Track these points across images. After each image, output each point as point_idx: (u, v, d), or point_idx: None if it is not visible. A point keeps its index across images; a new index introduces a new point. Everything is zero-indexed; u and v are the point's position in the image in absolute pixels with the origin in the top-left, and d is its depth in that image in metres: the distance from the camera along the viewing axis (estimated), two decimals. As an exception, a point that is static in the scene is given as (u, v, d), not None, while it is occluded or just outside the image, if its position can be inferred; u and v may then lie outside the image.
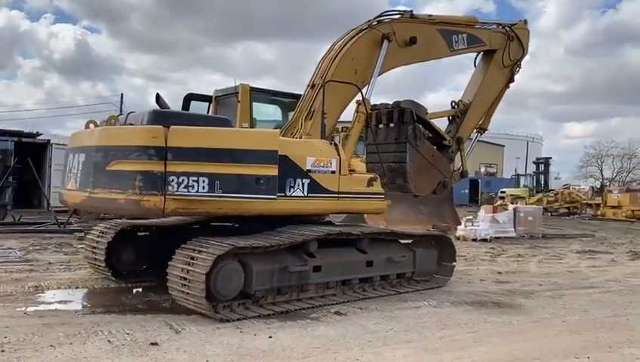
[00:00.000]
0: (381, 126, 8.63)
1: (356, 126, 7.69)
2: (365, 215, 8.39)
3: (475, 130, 10.22)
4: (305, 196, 6.61)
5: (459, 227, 14.60)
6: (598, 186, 42.20)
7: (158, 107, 7.26)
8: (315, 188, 6.70)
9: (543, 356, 5.07)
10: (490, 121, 10.40)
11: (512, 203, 24.32)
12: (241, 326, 5.67)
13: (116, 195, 5.79)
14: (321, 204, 6.91)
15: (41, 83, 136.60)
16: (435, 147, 9.08)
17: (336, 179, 6.92)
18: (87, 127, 6.63)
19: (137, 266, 7.88)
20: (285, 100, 8.56)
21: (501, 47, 9.88)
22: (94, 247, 7.63)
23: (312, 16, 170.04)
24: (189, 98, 8.39)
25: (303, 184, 6.58)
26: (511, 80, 10.24)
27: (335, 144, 7.16)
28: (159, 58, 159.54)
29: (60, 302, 6.63)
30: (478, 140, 10.59)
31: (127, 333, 5.29)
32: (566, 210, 32.35)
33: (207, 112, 8.37)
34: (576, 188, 41.69)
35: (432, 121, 9.17)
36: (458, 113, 9.62)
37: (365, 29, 8.08)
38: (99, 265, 7.62)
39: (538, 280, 9.25)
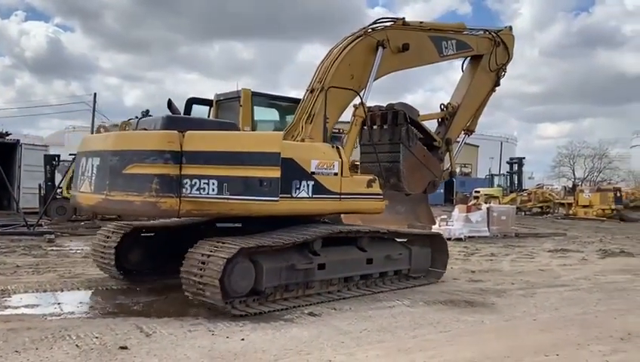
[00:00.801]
0: (375, 127, 8.94)
1: (353, 129, 8.02)
2: (342, 215, 8.52)
3: (462, 132, 10.54)
4: (310, 197, 6.84)
5: (433, 226, 14.70)
6: (570, 186, 42.92)
7: (170, 112, 7.50)
8: (319, 189, 6.93)
9: (514, 354, 5.12)
10: (477, 123, 10.74)
11: (486, 202, 24.63)
12: (213, 329, 5.61)
13: (133, 197, 6.04)
14: (325, 205, 7.15)
15: (12, 81, 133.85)
16: (425, 148, 9.41)
17: (339, 181, 7.17)
18: (98, 131, 6.92)
19: (144, 266, 8.00)
20: (283, 104, 8.81)
21: (487, 53, 10.24)
22: (103, 248, 7.75)
23: (290, 16, 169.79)
24: (191, 102, 8.57)
25: (308, 185, 6.80)
26: (497, 84, 10.63)
27: (337, 147, 7.39)
28: (134, 57, 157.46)
29: (26, 306, 6.47)
30: (456, 141, 10.81)
31: (96, 337, 5.19)
32: (539, 210, 32.83)
33: (208, 116, 8.62)
34: (549, 187, 42.44)
35: (422, 122, 9.49)
36: (447, 115, 9.97)
37: (361, 35, 8.35)
38: (108, 266, 7.74)
39: (510, 278, 9.36)
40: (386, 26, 8.62)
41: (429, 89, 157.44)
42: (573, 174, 58.97)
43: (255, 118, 8.23)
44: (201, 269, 5.96)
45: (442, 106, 10.09)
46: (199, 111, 8.68)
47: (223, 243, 6.10)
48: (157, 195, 5.96)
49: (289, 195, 6.55)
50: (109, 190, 6.25)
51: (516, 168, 38.21)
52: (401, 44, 8.64)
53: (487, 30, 10.37)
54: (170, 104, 7.78)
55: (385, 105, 9.17)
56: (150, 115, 15.95)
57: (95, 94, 38.96)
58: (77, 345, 4.93)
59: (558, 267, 11.11)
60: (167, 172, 5.99)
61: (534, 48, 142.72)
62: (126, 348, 4.89)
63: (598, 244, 15.90)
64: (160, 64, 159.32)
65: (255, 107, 8.24)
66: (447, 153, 9.99)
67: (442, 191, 41.95)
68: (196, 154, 6.08)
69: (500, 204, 27.48)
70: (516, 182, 37.44)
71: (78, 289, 7.55)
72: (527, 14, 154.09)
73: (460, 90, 10.33)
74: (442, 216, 16.73)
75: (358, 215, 8.33)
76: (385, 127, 8.96)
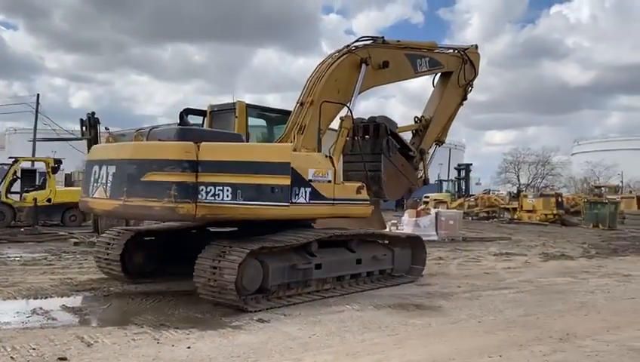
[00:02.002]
0: (357, 138, 9.37)
1: (340, 140, 8.59)
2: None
3: (434, 143, 11.19)
4: (307, 202, 7.39)
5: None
6: (515, 191, 44.30)
7: (181, 124, 8.14)
8: (315, 195, 7.50)
9: (460, 356, 5.22)
10: (447, 134, 11.46)
11: (435, 207, 25.10)
12: (158, 337, 5.48)
13: (152, 203, 6.54)
14: (320, 209, 7.75)
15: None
16: (403, 158, 10.04)
17: (332, 188, 7.78)
18: (107, 141, 7.67)
19: (146, 268, 8.49)
20: (274, 115, 9.48)
21: (456, 70, 10.99)
22: (107, 253, 8.24)
23: (244, 20, 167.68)
24: (187, 112, 9.03)
25: (305, 192, 7.36)
26: (464, 98, 11.41)
27: (330, 157, 8.01)
28: (83, 58, 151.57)
29: (-42, 317, 6.13)
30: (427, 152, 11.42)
31: (33, 348, 4.97)
32: (485, 214, 33.70)
33: (202, 125, 9.09)
34: (495, 193, 43.71)
35: (400, 134, 10.12)
36: (421, 127, 10.73)
37: (345, 53, 8.96)
38: (113, 269, 8.21)
39: (457, 282, 9.56)
40: (367, 45, 9.21)
41: (382, 96, 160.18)
42: (518, 180, 60.90)
43: (252, 128, 8.91)
44: (215, 269, 6.55)
45: (416, 119, 10.79)
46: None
47: (236, 244, 6.72)
48: (175, 201, 6.47)
49: (290, 201, 7.12)
50: (127, 196, 6.72)
51: (464, 174, 39.15)
52: (381, 61, 9.23)
53: (456, 48, 11.20)
54: (182, 117, 8.47)
55: (366, 117, 9.82)
56: (96, 118, 15.49)
57: (38, 95, 37.52)
58: (12, 357, 4.71)
59: (503, 270, 11.42)
60: (184, 179, 6.51)
61: (483, 58, 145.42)
62: (65, 359, 4.72)
63: (540, 248, 16.45)
64: (109, 65, 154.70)
65: (249, 118, 8.85)
66: (421, 162, 10.62)
67: (393, 196, 42.46)
68: (211, 163, 6.62)
69: (448, 208, 28.04)
70: (464, 188, 38.34)
71: (15, 298, 7.22)
72: (476, 25, 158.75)
73: (431, 104, 11.05)
74: (392, 221, 16.96)
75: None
76: (367, 138, 9.50)
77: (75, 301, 7.18)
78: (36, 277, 8.80)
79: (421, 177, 10.74)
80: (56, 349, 4.97)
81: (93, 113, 15.06)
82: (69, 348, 5.03)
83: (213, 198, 6.58)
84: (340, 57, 8.87)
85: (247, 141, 8.49)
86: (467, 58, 11.10)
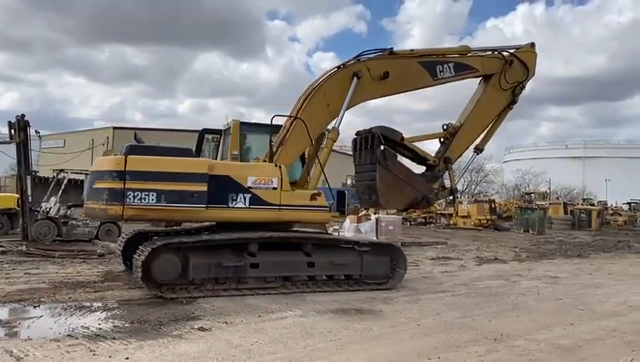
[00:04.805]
0: (363, 149, 9.48)
1: (325, 151, 9.07)
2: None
3: (473, 150, 10.72)
4: (247, 207, 8.19)
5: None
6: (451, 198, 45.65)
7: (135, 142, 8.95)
8: (256, 201, 8.24)
9: (400, 359, 5.34)
10: (487, 141, 10.82)
11: (375, 213, 25.51)
12: (94, 348, 5.28)
13: (95, 205, 7.92)
14: (264, 214, 8.38)
15: None
16: (407, 167, 9.71)
17: (278, 194, 8.37)
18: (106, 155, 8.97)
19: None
20: (269, 130, 9.75)
21: (497, 72, 10.34)
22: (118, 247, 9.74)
23: (187, 24, 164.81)
24: (204, 132, 10.26)
25: (244, 198, 8.17)
26: (513, 101, 10.65)
27: (279, 166, 8.54)
28: (13, 57, 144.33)
29: None
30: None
31: (-43, 364, 4.67)
32: (423, 220, 34.61)
33: (218, 143, 10.23)
34: (432, 199, 44.78)
35: (413, 143, 9.89)
36: (448, 135, 10.22)
37: (339, 68, 9.20)
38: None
39: (397, 285, 9.73)
40: (369, 58, 9.30)
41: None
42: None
43: (247, 144, 9.83)
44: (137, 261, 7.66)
45: (444, 126, 10.33)
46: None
47: (152, 241, 7.98)
48: (106, 203, 7.67)
49: (225, 205, 8.09)
50: (87, 200, 8.30)
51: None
52: (381, 72, 9.25)
53: (496, 50, 10.52)
54: (135, 136, 9.34)
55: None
56: (26, 120, 14.87)
57: (-39, 95, 35.21)
58: None
59: (440, 274, 11.76)
60: (113, 186, 7.64)
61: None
62: (-7, 375, 4.47)
63: (475, 252, 17.06)
64: (42, 66, 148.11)
65: (247, 134, 9.80)
66: (448, 171, 10.13)
67: (334, 202, 42.84)
68: (137, 173, 7.65)
69: (387, 214, 28.53)
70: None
71: None
72: (417, 36, 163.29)
73: (465, 110, 10.50)
74: (334, 226, 17.09)
75: None
76: (367, 148, 9.41)
77: (2, 313, 6.82)
78: (-41, 288, 8.28)
79: (448, 187, 10.37)
80: (-17, 364, 4.71)
81: (22, 115, 14.40)
82: (-4, 362, 4.78)
83: (139, 202, 7.63)
84: (330, 73, 9.15)
85: (241, 156, 9.45)
86: (512, 58, 10.38)
